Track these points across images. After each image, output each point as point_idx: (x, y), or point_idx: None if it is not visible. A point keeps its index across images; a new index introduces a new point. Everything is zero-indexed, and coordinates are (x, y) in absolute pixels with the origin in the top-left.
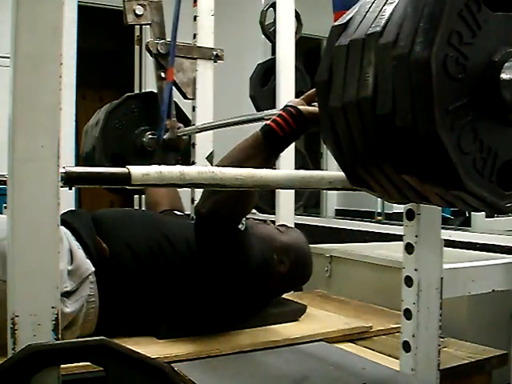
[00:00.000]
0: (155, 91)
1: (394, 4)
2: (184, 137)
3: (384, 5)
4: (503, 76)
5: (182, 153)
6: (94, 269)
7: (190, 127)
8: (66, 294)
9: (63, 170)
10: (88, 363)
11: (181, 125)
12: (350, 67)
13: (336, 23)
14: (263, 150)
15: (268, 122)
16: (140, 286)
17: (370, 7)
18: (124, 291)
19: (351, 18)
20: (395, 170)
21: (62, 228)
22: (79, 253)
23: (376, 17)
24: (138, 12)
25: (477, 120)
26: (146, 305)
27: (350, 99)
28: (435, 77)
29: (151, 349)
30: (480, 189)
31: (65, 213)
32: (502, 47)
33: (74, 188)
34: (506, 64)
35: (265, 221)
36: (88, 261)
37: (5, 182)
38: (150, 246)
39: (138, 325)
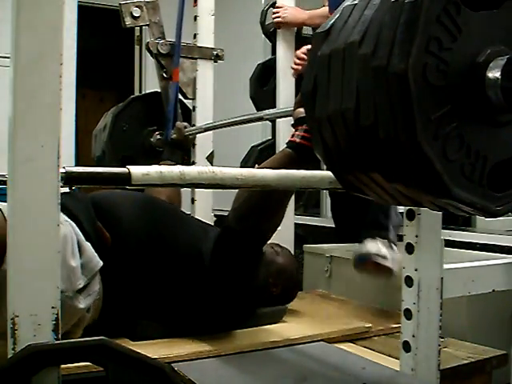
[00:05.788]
0: (159, 91)
1: (374, 9)
2: (190, 136)
3: (364, 9)
4: (489, 75)
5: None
6: (102, 263)
7: (194, 127)
8: (79, 290)
9: (63, 170)
10: (88, 363)
11: (186, 124)
12: (333, 77)
13: (318, 30)
14: (296, 166)
15: (297, 140)
16: (140, 277)
17: (351, 12)
18: (124, 281)
19: (333, 23)
20: (384, 179)
21: (66, 219)
22: (88, 245)
23: (356, 23)
24: (135, 14)
25: (462, 125)
26: (140, 298)
27: (335, 110)
28: (414, 88)
29: (151, 349)
30: (469, 195)
31: (63, 195)
32: (485, 47)
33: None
34: (491, 64)
35: None
36: (96, 254)
37: (5, 182)
38: (154, 235)
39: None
